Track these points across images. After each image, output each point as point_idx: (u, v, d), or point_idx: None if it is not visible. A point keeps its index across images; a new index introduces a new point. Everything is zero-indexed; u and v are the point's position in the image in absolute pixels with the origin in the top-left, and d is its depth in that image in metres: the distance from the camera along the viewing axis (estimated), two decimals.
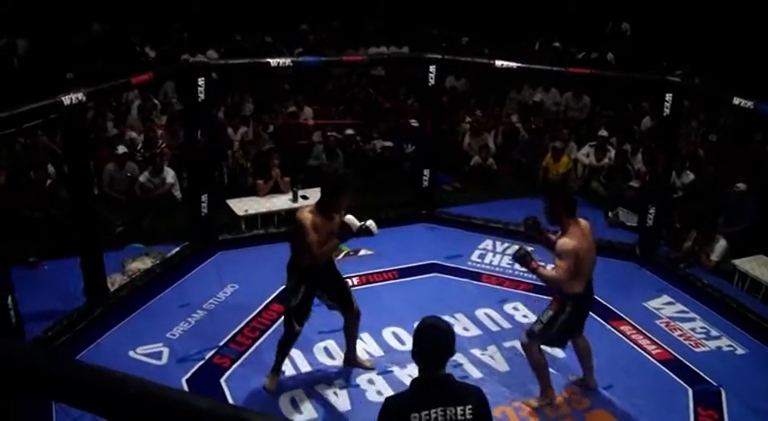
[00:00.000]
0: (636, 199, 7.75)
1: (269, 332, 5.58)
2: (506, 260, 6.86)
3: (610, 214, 8.06)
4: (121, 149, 7.98)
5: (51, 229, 6.91)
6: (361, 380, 5.02)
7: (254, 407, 4.39)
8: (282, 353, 4.89)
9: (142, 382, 1.67)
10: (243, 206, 7.58)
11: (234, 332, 5.55)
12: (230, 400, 4.67)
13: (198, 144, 6.56)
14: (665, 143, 6.77)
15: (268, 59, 6.96)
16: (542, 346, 4.68)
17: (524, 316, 5.88)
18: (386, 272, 6.57)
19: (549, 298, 4.66)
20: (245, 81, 10.87)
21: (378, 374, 5.07)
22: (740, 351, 5.62)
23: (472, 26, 13.78)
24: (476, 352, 5.38)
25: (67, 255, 5.97)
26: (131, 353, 5.24)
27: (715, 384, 5.12)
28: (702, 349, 5.62)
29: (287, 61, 7.08)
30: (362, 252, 6.86)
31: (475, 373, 5.13)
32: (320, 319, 5.09)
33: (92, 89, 5.30)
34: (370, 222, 4.50)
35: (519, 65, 7.10)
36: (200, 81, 6.32)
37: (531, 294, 6.21)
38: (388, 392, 4.63)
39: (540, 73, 8.39)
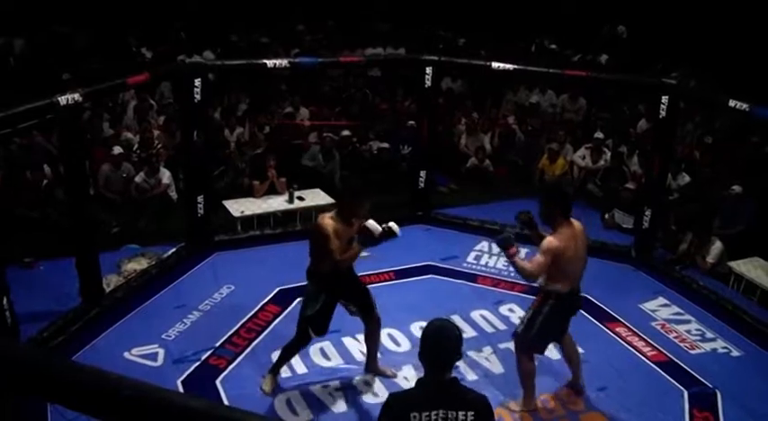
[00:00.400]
0: (632, 201, 7.74)
1: (265, 333, 5.58)
2: (502, 262, 6.85)
3: (606, 216, 8.08)
4: (117, 150, 7.96)
5: (47, 230, 6.88)
6: (357, 381, 5.01)
7: (249, 408, 4.38)
8: (286, 357, 4.86)
9: (137, 384, 1.67)
10: (239, 207, 7.55)
11: (230, 333, 5.54)
12: (226, 401, 4.65)
13: (194, 145, 6.55)
14: (660, 145, 6.79)
15: (265, 60, 6.94)
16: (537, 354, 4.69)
17: (519, 318, 5.85)
18: (382, 273, 6.55)
19: None
20: (242, 82, 10.86)
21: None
22: (736, 353, 5.63)
23: (469, 28, 13.80)
24: (471, 353, 5.37)
25: (63, 255, 5.96)
26: (127, 355, 5.23)
27: (710, 386, 5.12)
28: (698, 351, 5.63)
29: (284, 62, 7.07)
30: None
31: (470, 375, 5.14)
32: None
33: (88, 90, 5.31)
34: (391, 224, 4.31)
35: (515, 67, 7.11)
36: (197, 82, 6.32)
37: (526, 296, 6.18)
38: (384, 394, 4.63)
39: (537, 75, 8.39)
